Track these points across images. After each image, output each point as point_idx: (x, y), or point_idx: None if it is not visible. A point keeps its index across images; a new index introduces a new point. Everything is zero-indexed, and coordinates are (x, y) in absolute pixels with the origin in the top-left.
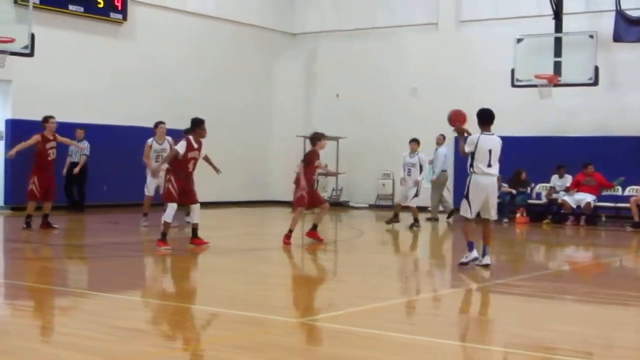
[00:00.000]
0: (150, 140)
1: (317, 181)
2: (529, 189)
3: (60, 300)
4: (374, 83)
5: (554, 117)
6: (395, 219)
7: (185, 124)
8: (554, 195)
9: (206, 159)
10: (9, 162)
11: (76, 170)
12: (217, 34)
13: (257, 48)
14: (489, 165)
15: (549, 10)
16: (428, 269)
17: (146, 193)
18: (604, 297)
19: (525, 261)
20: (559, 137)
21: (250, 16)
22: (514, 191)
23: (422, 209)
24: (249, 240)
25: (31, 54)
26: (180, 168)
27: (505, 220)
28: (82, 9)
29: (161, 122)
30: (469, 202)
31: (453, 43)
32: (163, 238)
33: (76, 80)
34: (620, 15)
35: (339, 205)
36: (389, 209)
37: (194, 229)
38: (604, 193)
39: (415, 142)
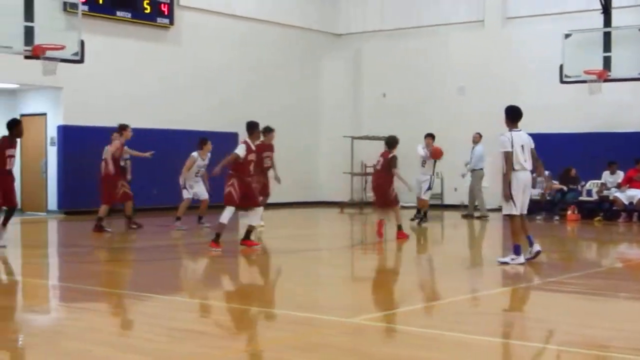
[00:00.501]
0: (195, 155)
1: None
2: (579, 186)
3: (115, 302)
4: (420, 82)
5: (604, 113)
6: (419, 214)
7: (232, 127)
8: (606, 192)
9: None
10: (61, 168)
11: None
12: (262, 36)
13: (302, 49)
14: (525, 161)
15: (597, 4)
16: (477, 267)
17: (186, 195)
18: None
19: (577, 259)
20: (609, 132)
21: (294, 18)
22: (564, 188)
23: (457, 207)
24: (300, 241)
25: (81, 61)
26: (242, 171)
27: (556, 217)
28: (129, 15)
29: (207, 140)
30: (513, 199)
31: (500, 40)
32: (216, 239)
33: (124, 85)
34: None
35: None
36: (437, 209)
37: (249, 231)
38: None
39: (430, 136)
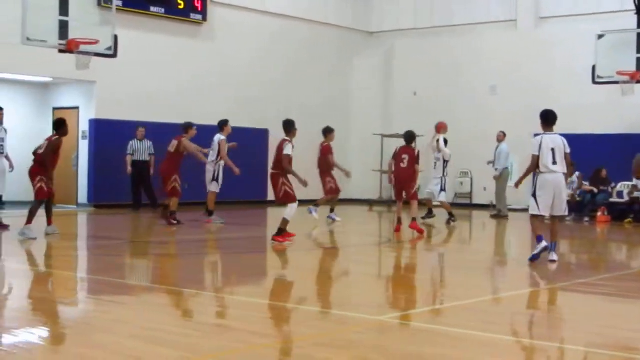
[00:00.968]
0: (224, 138)
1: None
2: (609, 187)
3: (144, 296)
4: (451, 81)
5: (636, 114)
6: (430, 214)
7: (263, 124)
8: (636, 194)
9: (336, 164)
10: (92, 162)
11: (152, 171)
12: (294, 33)
13: (335, 47)
14: (554, 163)
15: (631, 5)
16: (505, 267)
17: (215, 190)
18: None
19: (607, 260)
20: None
21: (327, 15)
22: (595, 189)
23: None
24: (328, 238)
25: (114, 55)
26: (288, 169)
27: (586, 219)
28: (162, 11)
29: (228, 120)
30: (536, 200)
31: (532, 40)
32: (280, 233)
33: (157, 80)
34: None
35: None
36: (466, 208)
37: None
38: None
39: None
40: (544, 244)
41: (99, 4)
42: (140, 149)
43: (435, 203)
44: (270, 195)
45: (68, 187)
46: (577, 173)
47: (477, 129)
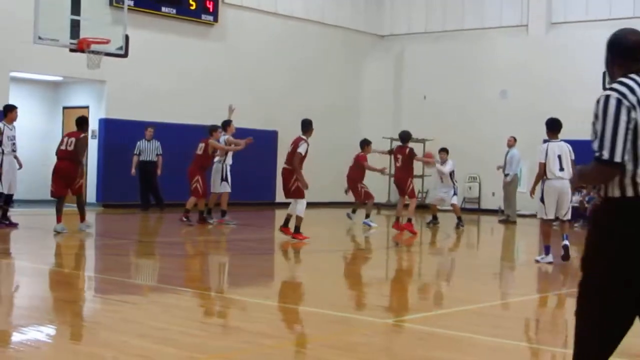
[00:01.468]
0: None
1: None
2: None
3: (153, 295)
4: (462, 85)
5: None
6: (435, 220)
7: (272, 125)
8: None
9: (371, 168)
10: (101, 161)
11: (159, 171)
12: (305, 35)
13: (345, 50)
14: (561, 169)
15: None
16: (514, 271)
17: (227, 190)
18: None
19: None
20: None
21: (338, 18)
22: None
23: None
24: (337, 241)
25: (125, 55)
26: (301, 167)
27: None
28: (174, 11)
29: (231, 121)
30: (544, 205)
31: (544, 45)
32: (297, 231)
33: (167, 80)
34: None
35: (425, 208)
36: (474, 212)
37: (287, 220)
38: None
39: (444, 151)
40: (550, 258)
41: (111, 4)
42: (148, 149)
43: (441, 208)
44: (279, 197)
45: None
46: None
47: (486, 134)
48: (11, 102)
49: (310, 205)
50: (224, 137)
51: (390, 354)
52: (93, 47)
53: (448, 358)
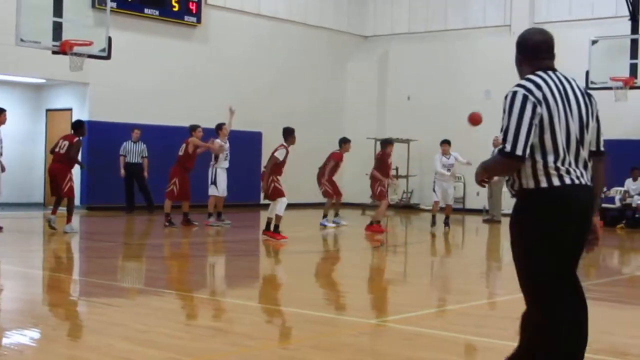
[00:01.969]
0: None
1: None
2: (602, 193)
3: (138, 298)
4: (446, 85)
5: (629, 120)
6: (448, 220)
7: (256, 126)
8: (629, 200)
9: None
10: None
11: (146, 174)
12: (289, 36)
13: (329, 50)
14: None
15: (625, 11)
16: (499, 271)
17: (218, 194)
18: None
19: (598, 266)
20: (634, 140)
21: (322, 19)
22: None
23: (479, 211)
24: (320, 242)
25: (108, 57)
26: (278, 172)
27: None
28: (157, 13)
29: (224, 123)
30: None
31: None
32: (276, 230)
33: (150, 82)
34: None
35: (409, 208)
36: (459, 212)
37: (269, 223)
38: None
39: (447, 143)
40: None
41: (93, 6)
42: (133, 150)
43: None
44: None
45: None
46: None
47: (470, 134)
48: None
49: (293, 206)
50: (218, 141)
51: (376, 354)
52: (76, 49)
53: (434, 358)
